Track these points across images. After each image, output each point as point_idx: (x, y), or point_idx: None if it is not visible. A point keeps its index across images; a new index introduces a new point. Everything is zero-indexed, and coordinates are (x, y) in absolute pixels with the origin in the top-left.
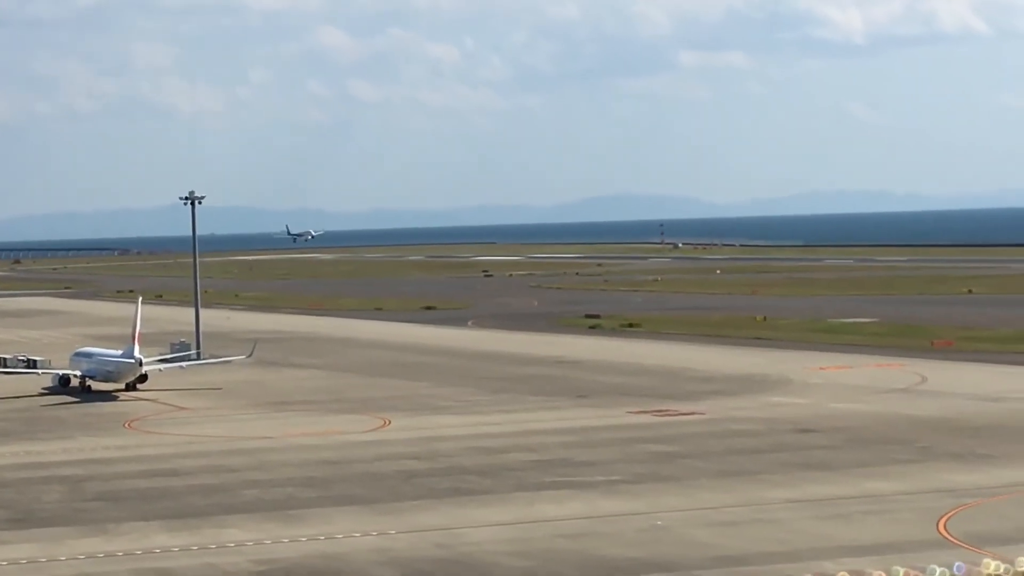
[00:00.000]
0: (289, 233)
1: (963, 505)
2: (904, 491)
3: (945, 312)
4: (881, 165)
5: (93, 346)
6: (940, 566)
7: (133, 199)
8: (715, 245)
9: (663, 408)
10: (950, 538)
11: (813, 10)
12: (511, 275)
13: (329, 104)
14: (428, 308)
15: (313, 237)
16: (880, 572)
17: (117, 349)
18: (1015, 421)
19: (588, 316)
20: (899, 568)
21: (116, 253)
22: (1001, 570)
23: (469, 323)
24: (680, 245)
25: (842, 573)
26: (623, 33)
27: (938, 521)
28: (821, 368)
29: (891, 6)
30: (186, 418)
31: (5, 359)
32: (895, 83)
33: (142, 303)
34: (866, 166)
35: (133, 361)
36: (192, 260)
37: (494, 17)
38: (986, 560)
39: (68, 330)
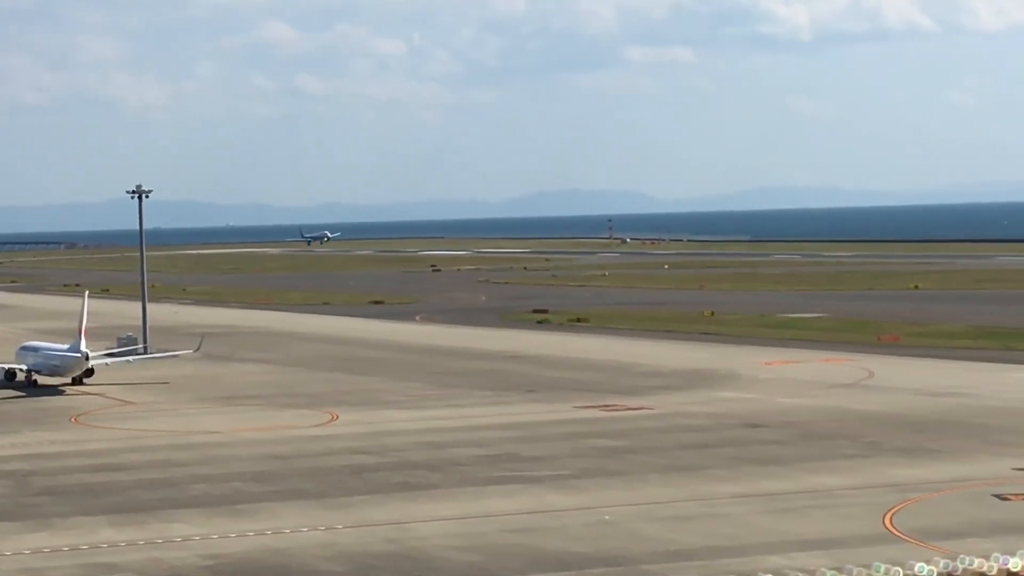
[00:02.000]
0: (303, 236)
1: (909, 500)
2: (851, 486)
3: (892, 307)
4: (828, 161)
5: (39, 340)
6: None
7: (80, 193)
8: (663, 240)
9: (611, 403)
10: (896, 532)
11: (758, 5)
12: (459, 269)
13: (276, 98)
14: (376, 303)
15: (329, 239)
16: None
17: (63, 343)
18: (961, 416)
19: (536, 311)
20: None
21: (62, 247)
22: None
23: (417, 318)
24: (628, 240)
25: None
26: (569, 28)
27: (884, 515)
28: (768, 363)
29: (836, 3)
30: (133, 412)
31: None
32: (841, 79)
33: (88, 297)
34: (813, 162)
35: (79, 355)
36: (139, 254)
37: (440, 12)
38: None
39: (14, 324)
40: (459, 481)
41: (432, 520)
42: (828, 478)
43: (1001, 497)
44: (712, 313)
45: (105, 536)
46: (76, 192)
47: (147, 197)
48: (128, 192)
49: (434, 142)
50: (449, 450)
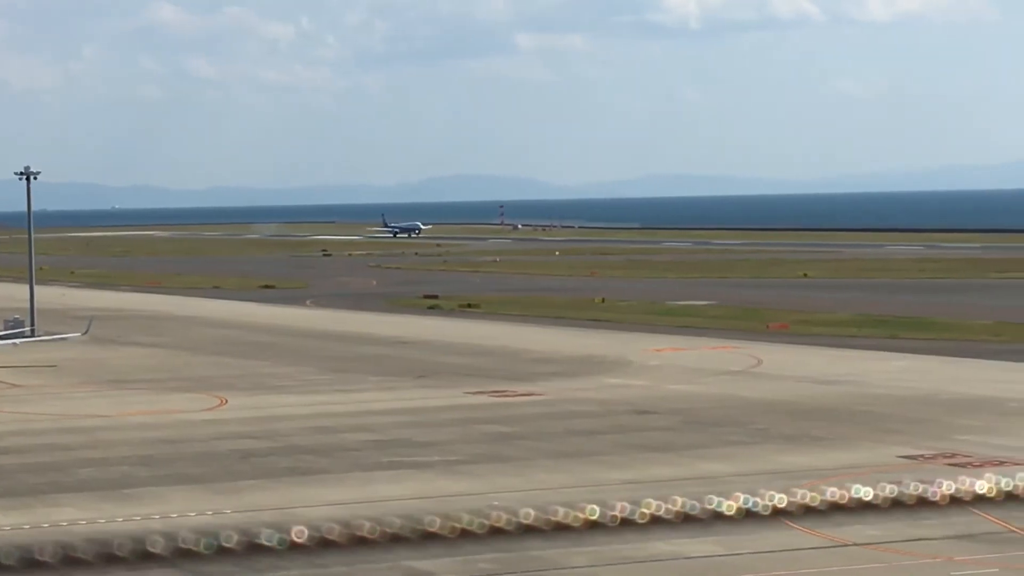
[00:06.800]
0: (387, 225)
1: (796, 486)
2: (738, 472)
3: (781, 295)
4: (720, 149)
5: None
6: None
7: None
8: (554, 227)
9: (501, 389)
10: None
11: None
12: (350, 254)
13: (165, 81)
14: (266, 287)
15: (421, 231)
16: None
17: None
18: (848, 404)
19: (427, 296)
20: None
21: None
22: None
23: (307, 302)
24: (520, 226)
25: None
26: (459, 14)
27: None
28: (658, 350)
29: None
30: (19, 395)
31: None
32: (731, 68)
33: None
34: (705, 150)
35: None
36: (27, 236)
37: None
38: None
39: None
40: (348, 466)
41: (320, 505)
42: (716, 464)
43: None
44: (603, 300)
45: None
46: None
47: (35, 179)
48: (16, 173)
49: (325, 126)
50: (339, 435)
